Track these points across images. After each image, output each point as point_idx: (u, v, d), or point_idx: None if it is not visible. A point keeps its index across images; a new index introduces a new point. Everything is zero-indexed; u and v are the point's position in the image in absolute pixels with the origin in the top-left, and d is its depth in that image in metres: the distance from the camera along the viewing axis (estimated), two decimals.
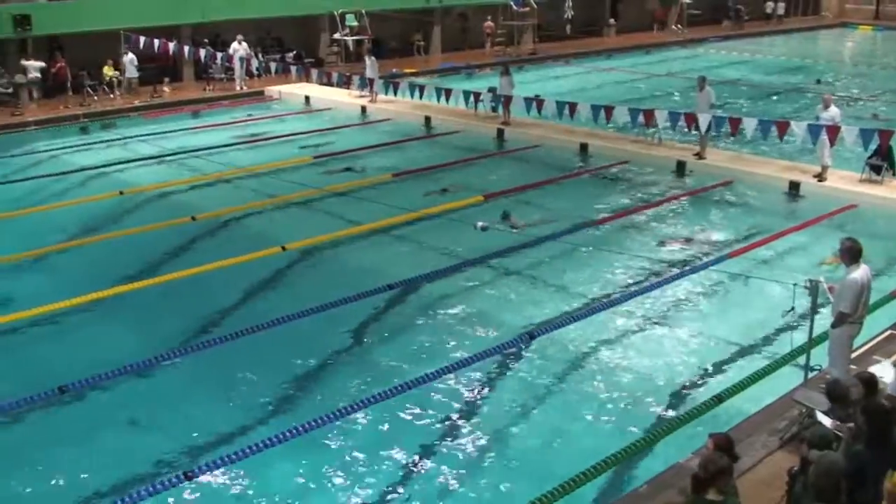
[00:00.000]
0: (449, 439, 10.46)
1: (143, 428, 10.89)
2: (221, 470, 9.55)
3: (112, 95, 30.51)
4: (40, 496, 9.49)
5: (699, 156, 21.71)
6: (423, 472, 9.88)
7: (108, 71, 30.49)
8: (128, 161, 23.23)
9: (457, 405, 11.15)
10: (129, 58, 29.74)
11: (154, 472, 9.74)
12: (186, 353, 12.22)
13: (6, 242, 17.20)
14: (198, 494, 9.36)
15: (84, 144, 25.42)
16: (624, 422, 10.73)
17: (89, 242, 17.24)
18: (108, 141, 25.81)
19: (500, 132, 25.51)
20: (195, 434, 10.53)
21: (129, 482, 9.53)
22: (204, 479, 9.44)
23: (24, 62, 29.13)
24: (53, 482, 9.72)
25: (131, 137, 25.98)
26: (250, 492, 9.46)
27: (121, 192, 20.05)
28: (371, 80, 28.77)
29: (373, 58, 30.09)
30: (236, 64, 31.96)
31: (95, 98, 29.97)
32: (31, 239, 17.33)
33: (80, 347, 12.90)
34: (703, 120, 20.20)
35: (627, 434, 10.30)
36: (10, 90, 28.94)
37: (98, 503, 9.06)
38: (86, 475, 9.81)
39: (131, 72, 30.24)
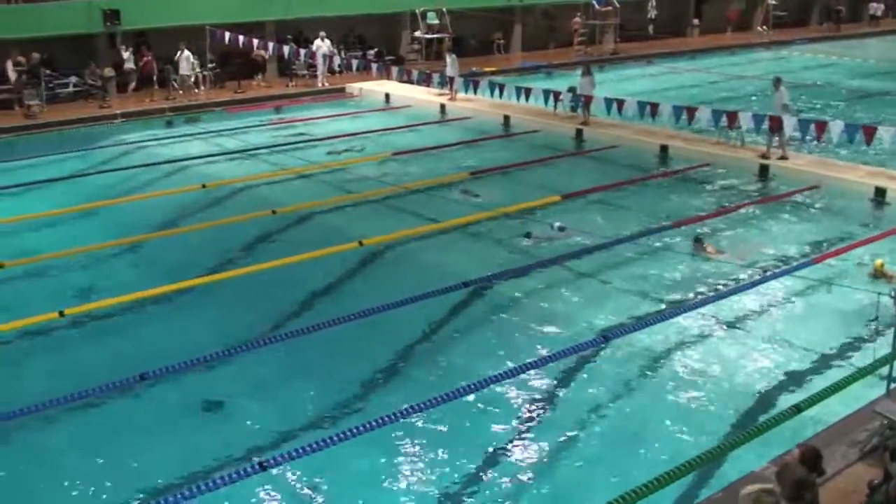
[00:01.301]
0: (520, 439, 10.44)
1: (221, 417, 11.09)
2: (295, 462, 9.65)
3: (197, 90, 31.07)
4: (118, 480, 9.69)
5: (782, 157, 21.39)
6: (493, 471, 9.87)
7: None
8: (211, 155, 23.65)
9: (529, 405, 11.14)
10: (185, 55, 29.74)
11: (230, 461, 9.90)
12: (264, 345, 12.37)
13: (92, 232, 17.69)
14: (271, 485, 9.48)
15: (169, 137, 25.98)
16: (699, 428, 10.59)
17: (173, 234, 17.62)
18: (192, 134, 26.34)
19: (579, 132, 25.35)
20: (271, 425, 10.68)
21: (205, 470, 9.71)
22: (278, 469, 9.55)
23: (124, 54, 29.89)
24: (131, 467, 9.96)
25: (215, 131, 26.45)
26: (322, 485, 9.55)
27: (203, 186, 20.42)
28: (451, 79, 28.89)
29: (453, 56, 30.11)
30: (319, 61, 32.34)
31: (180, 92, 30.55)
32: (116, 229, 17.79)
33: (161, 336, 13.18)
34: (785, 120, 19.89)
35: (702, 440, 10.16)
36: (100, 83, 29.64)
37: (174, 490, 9.22)
38: (162, 461, 10.01)
39: (185, 68, 30.06)
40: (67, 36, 29.48)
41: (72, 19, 29.48)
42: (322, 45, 32.19)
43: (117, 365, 11.81)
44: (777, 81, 21.80)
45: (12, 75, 28.21)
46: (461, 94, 29.15)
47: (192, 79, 30.23)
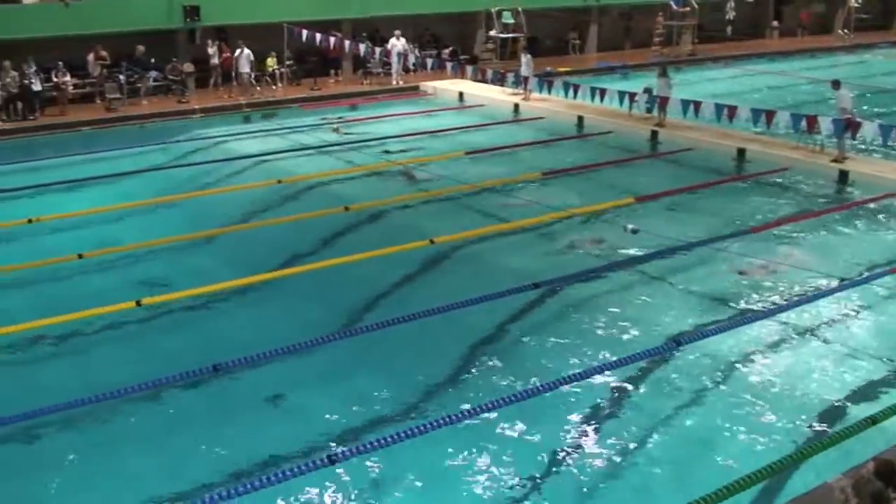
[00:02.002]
0: (588, 442, 10.37)
1: (291, 410, 11.20)
2: (363, 457, 9.71)
3: (274, 87, 31.46)
4: (186, 469, 9.84)
5: (836, 160, 21.08)
6: (560, 473, 9.81)
7: (270, 62, 31.44)
8: (286, 151, 23.93)
9: (597, 408, 11.04)
10: (246, 53, 29.85)
11: (298, 454, 9.99)
12: (335, 340, 12.48)
13: (169, 225, 18.04)
14: (339, 479, 9.54)
15: (245, 133, 26.34)
16: (769, 436, 10.40)
17: (248, 228, 17.88)
18: (268, 130, 26.69)
19: (654, 134, 25.11)
20: (340, 420, 10.76)
21: (274, 462, 9.81)
22: (346, 464, 9.62)
23: (209, 50, 30.48)
24: (200, 457, 10.10)
25: (290, 128, 26.76)
26: (389, 481, 9.59)
27: (279, 181, 20.68)
28: (526, 78, 28.86)
29: (528, 55, 30.01)
30: (394, 59, 32.53)
31: (258, 88, 30.96)
32: (192, 222, 18.14)
33: (235, 328, 13.39)
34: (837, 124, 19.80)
35: (773, 449, 9.99)
36: (179, 78, 30.19)
37: (245, 479, 9.33)
38: (233, 452, 10.13)
39: (245, 67, 30.03)
40: (148, 31, 30.08)
41: (153, 14, 30.07)
42: (397, 44, 32.37)
43: (191, 355, 12.03)
44: (836, 84, 21.43)
45: (94, 69, 28.86)
46: (535, 94, 29.07)
47: (253, 76, 30.45)
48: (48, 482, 9.73)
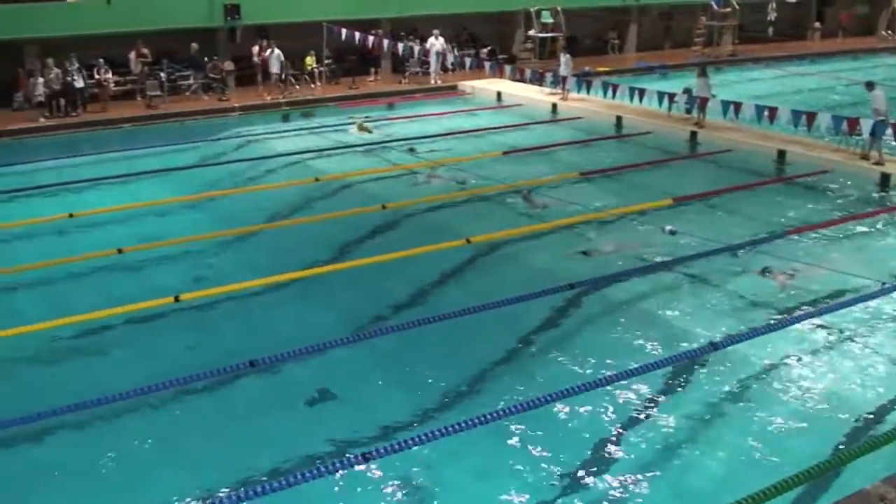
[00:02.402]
0: (626, 444, 10.29)
1: (325, 407, 11.22)
2: (398, 454, 9.70)
3: (313, 85, 31.61)
4: (221, 464, 9.88)
5: (877, 163, 20.88)
6: (595, 475, 9.73)
7: (309, 61, 31.59)
8: (324, 149, 24.03)
9: (635, 410, 10.97)
10: (276, 53, 29.87)
11: (333, 451, 10.02)
12: (371, 337, 12.53)
13: (206, 222, 18.21)
14: (374, 476, 9.56)
15: (284, 131, 26.48)
16: (808, 440, 10.29)
17: (286, 225, 17.98)
18: (306, 129, 26.82)
19: (693, 135, 24.93)
20: (375, 417, 10.76)
21: (309, 458, 9.85)
22: (381, 461, 9.63)
23: (255, 49, 30.69)
24: (235, 452, 10.15)
25: (329, 126, 26.87)
26: (423, 479, 9.59)
27: (316, 179, 20.78)
28: (564, 78, 28.76)
29: (567, 55, 29.95)
30: (432, 58, 32.57)
31: (297, 87, 31.13)
32: (230, 219, 18.25)
33: (272, 324, 13.45)
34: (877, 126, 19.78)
35: (812, 454, 9.87)
36: (220, 77, 30.41)
37: (277, 476, 9.38)
38: (266, 447, 10.18)
39: (275, 67, 30.03)
40: (189, 29, 30.34)
41: (194, 13, 30.35)
42: (436, 43, 32.41)
43: (228, 351, 12.12)
44: (870, 85, 21.20)
45: (136, 66, 29.15)
46: (573, 94, 28.97)
47: (284, 76, 30.43)
48: (110, 467, 9.92)
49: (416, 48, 31.35)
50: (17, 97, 28.16)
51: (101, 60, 28.34)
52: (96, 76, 28.23)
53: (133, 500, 9.33)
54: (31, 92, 27.40)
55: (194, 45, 29.82)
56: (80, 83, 27.45)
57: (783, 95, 30.82)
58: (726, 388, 11.44)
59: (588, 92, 26.84)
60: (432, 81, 33.08)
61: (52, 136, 25.89)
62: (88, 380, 11.61)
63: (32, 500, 9.46)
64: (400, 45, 30.55)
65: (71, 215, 17.91)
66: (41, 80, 26.98)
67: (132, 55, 29.02)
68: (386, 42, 30.56)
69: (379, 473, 9.58)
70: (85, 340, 12.83)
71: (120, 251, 15.79)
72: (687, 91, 25.31)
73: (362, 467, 9.49)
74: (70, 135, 26.08)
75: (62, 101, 27.24)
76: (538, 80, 29.00)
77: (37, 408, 10.35)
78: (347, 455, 9.66)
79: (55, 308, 13.44)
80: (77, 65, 27.34)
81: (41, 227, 17.63)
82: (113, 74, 28.99)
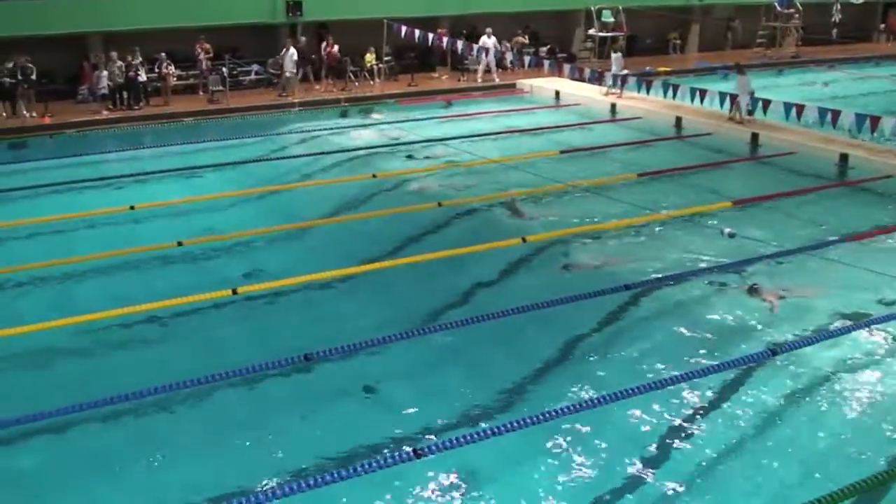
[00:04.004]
0: (678, 449, 10.18)
1: (379, 402, 11.27)
2: (449, 452, 9.70)
3: (372, 82, 31.76)
4: (271, 457, 9.95)
5: None
6: (646, 479, 9.63)
7: (369, 58, 31.73)
8: (382, 145, 24.12)
9: (689, 415, 10.83)
10: (290, 52, 29.75)
11: (384, 446, 10.05)
12: (425, 334, 12.56)
13: (265, 216, 18.38)
14: (424, 473, 9.56)
15: (343, 127, 26.64)
16: (867, 450, 10.09)
17: (342, 221, 18.08)
18: (365, 125, 26.96)
19: (754, 136, 24.59)
20: (427, 414, 10.77)
21: (360, 453, 9.89)
22: (431, 458, 9.63)
23: (324, 45, 30.96)
24: (289, 446, 10.21)
25: (387, 123, 26.97)
26: (472, 478, 9.56)
27: (374, 175, 20.88)
28: (622, 77, 28.58)
29: (618, 53, 30.05)
30: (482, 56, 32.54)
31: (356, 84, 31.30)
32: (288, 213, 18.42)
33: (327, 319, 13.53)
34: None
35: (868, 464, 9.70)
36: (280, 72, 30.67)
37: (328, 469, 9.43)
38: (318, 441, 10.24)
39: (289, 67, 29.85)
40: (251, 25, 30.66)
41: (257, 9, 30.67)
42: (487, 42, 32.37)
43: (283, 344, 12.22)
44: None
45: (204, 62, 29.50)
46: (633, 94, 28.73)
47: (299, 76, 30.32)
48: (164, 455, 10.06)
49: (476, 46, 31.38)
50: (82, 90, 28.69)
51: (163, 55, 28.77)
52: (158, 70, 28.64)
53: (179, 489, 9.41)
54: (95, 85, 27.86)
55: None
56: (143, 77, 27.88)
57: (849, 98, 30.28)
58: (782, 395, 11.24)
59: (648, 92, 26.62)
60: (479, 79, 33.06)
61: (115, 128, 26.34)
62: (146, 369, 11.76)
63: (92, 485, 9.61)
64: (459, 43, 30.56)
65: (132, 207, 18.20)
66: (105, 73, 27.43)
67: (199, 50, 29.36)
68: (445, 40, 30.60)
69: (430, 470, 9.58)
70: (144, 331, 13.00)
71: (180, 243, 16.01)
72: (750, 92, 25.02)
73: (413, 463, 9.51)
74: (132, 128, 26.49)
75: (125, 95, 27.70)
76: (597, 79, 28.84)
77: (94, 396, 10.55)
78: (399, 451, 9.70)
79: (115, 298, 13.64)
80: (140, 59, 27.76)
81: (103, 218, 17.93)
82: (175, 69, 29.40)
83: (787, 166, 22.27)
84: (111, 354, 12.46)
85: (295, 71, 30.01)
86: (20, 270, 15.00)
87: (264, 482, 9.35)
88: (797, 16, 40.19)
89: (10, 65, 26.02)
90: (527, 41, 36.38)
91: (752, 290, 14.14)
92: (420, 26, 30.23)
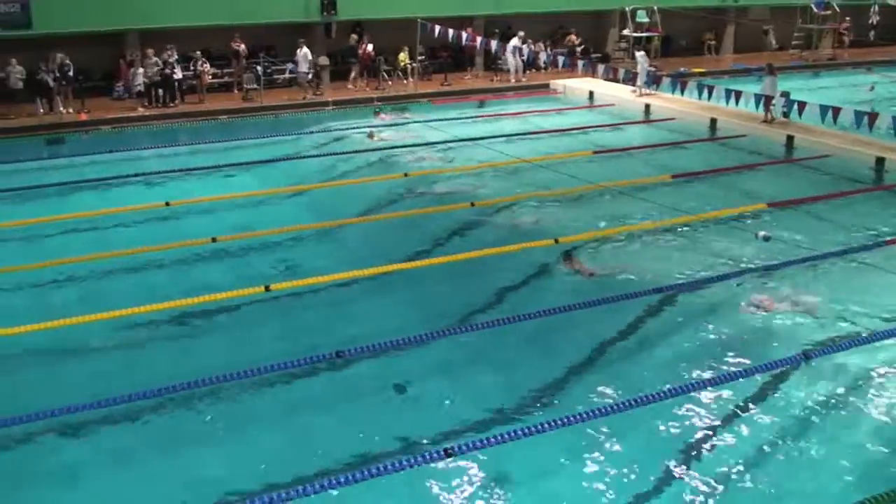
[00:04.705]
0: (706, 452, 10.12)
1: (410, 401, 11.30)
2: (479, 452, 9.70)
3: (405, 81, 31.80)
4: (301, 455, 10.00)
5: None
6: (672, 483, 9.57)
7: (402, 57, 31.77)
8: (414, 145, 24.14)
9: (716, 421, 10.73)
10: (304, 52, 29.64)
11: (414, 445, 10.08)
12: (456, 333, 12.57)
13: (299, 213, 18.47)
14: (454, 472, 9.57)
15: (376, 126, 26.64)
16: None
17: (375, 219, 18.13)
18: (398, 124, 26.98)
19: (790, 139, 24.38)
20: (457, 413, 10.78)
21: (390, 451, 9.94)
22: (461, 458, 9.64)
23: (362, 44, 31.10)
24: (320, 442, 10.27)
25: (420, 122, 27.01)
26: (502, 478, 9.56)
27: (405, 174, 20.91)
28: (647, 76, 28.54)
29: (642, 52, 30.23)
30: (511, 58, 32.56)
31: (389, 83, 31.35)
32: (321, 212, 18.53)
33: (358, 317, 13.58)
34: None
35: None
36: (314, 71, 30.76)
37: (361, 466, 9.46)
38: (349, 439, 10.27)
39: (303, 67, 29.72)
40: (286, 24, 30.81)
41: (292, 8, 30.80)
42: (515, 42, 32.31)
43: (315, 341, 12.30)
44: None
45: (241, 60, 29.65)
46: (667, 95, 28.58)
47: (311, 76, 30.23)
48: (196, 450, 10.19)
49: (509, 47, 31.35)
50: (118, 87, 28.94)
51: (199, 53, 28.97)
52: (194, 68, 28.85)
53: (209, 484, 9.48)
54: (131, 82, 28.13)
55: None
56: (178, 74, 28.08)
57: (886, 101, 29.94)
58: (816, 401, 11.14)
59: (682, 93, 26.46)
60: (512, 80, 33.04)
61: (151, 125, 26.53)
62: (177, 365, 11.86)
63: (125, 473, 9.76)
64: (493, 43, 30.53)
65: (167, 204, 18.36)
66: (141, 70, 27.67)
67: (234, 48, 29.51)
68: (479, 39, 30.55)
69: (459, 470, 9.59)
70: (177, 326, 13.13)
71: (214, 240, 16.12)
72: (785, 94, 24.85)
73: (443, 463, 9.53)
74: (168, 125, 26.69)
75: (161, 92, 27.90)
76: (632, 80, 28.73)
77: (125, 391, 10.68)
78: (429, 449, 9.71)
79: (150, 293, 13.77)
80: (176, 56, 27.97)
81: (138, 214, 18.07)
82: (210, 67, 29.59)
83: (822, 169, 22.07)
84: (143, 350, 12.58)
85: (307, 70, 29.97)
86: (56, 265, 15.14)
87: (294, 479, 9.38)
88: (834, 18, 39.80)
89: (48, 62, 26.33)
90: (578, 41, 36.42)
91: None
92: (454, 26, 30.24)
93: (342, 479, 9.03)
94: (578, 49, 35.74)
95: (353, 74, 31.30)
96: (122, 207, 18.36)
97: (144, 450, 10.15)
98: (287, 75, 30.98)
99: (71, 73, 26.71)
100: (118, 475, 9.77)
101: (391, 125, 26.91)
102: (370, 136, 25.16)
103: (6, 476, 9.72)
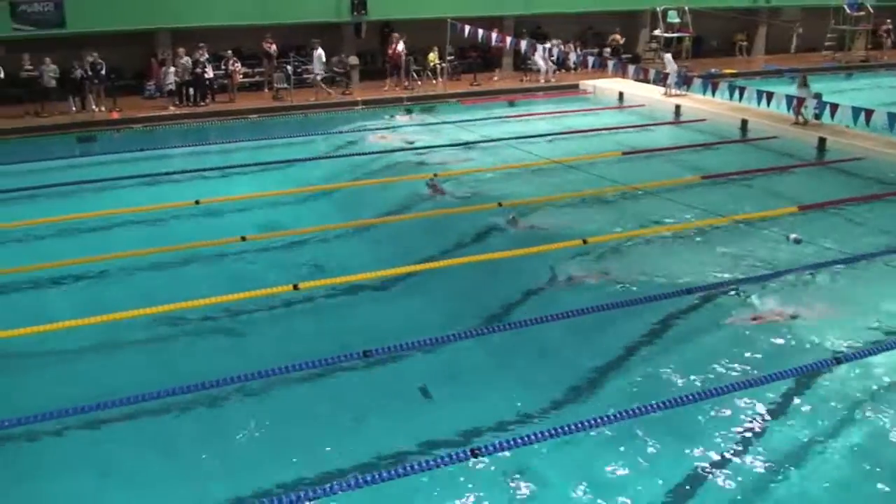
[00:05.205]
0: (736, 456, 10.04)
1: (436, 400, 11.29)
2: (505, 452, 9.68)
3: (434, 81, 31.82)
4: (329, 453, 10.01)
5: None
6: (700, 486, 9.52)
7: (432, 57, 31.80)
8: (443, 145, 24.15)
9: (745, 424, 10.65)
10: (318, 53, 29.61)
11: (440, 444, 10.07)
12: (483, 334, 12.57)
13: (327, 212, 18.53)
14: (479, 472, 9.55)
15: (404, 126, 26.72)
16: None
17: (402, 219, 18.15)
18: (427, 124, 27.02)
19: (821, 141, 24.18)
20: (483, 413, 10.75)
21: (416, 451, 9.94)
22: (488, 458, 9.63)
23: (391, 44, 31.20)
24: (344, 441, 10.27)
25: (449, 122, 27.01)
26: (525, 479, 9.51)
27: (435, 175, 20.90)
28: (681, 77, 28.45)
29: (668, 55, 30.39)
30: (540, 60, 32.52)
31: (419, 83, 31.39)
32: (349, 211, 18.59)
33: (386, 316, 13.60)
34: None
35: None
36: (344, 71, 30.87)
37: (389, 465, 9.47)
38: (375, 438, 10.30)
39: (317, 68, 29.75)
40: (316, 24, 30.92)
41: (322, 8, 30.91)
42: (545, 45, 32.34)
43: (342, 340, 12.32)
44: None
45: (272, 60, 29.77)
46: (698, 96, 28.43)
47: (321, 77, 30.18)
48: (220, 448, 10.23)
49: (540, 46, 31.31)
50: (149, 86, 29.16)
51: (230, 52, 29.14)
52: (225, 67, 29.00)
53: (232, 483, 9.52)
54: (163, 81, 28.35)
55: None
56: (209, 73, 28.25)
57: None
58: (845, 405, 11.04)
59: (713, 94, 26.31)
60: (541, 80, 33.00)
61: (181, 124, 26.72)
62: (209, 362, 11.94)
63: (168, 465, 9.88)
64: (523, 43, 30.50)
65: (197, 202, 18.48)
66: (172, 69, 27.87)
67: (265, 48, 29.64)
68: (509, 40, 30.52)
69: (486, 470, 9.58)
70: (208, 324, 13.20)
71: (243, 238, 16.20)
72: (817, 96, 24.65)
73: (470, 463, 9.52)
74: (198, 124, 26.86)
75: (192, 91, 28.07)
76: (662, 80, 28.61)
77: (155, 387, 10.78)
78: (455, 449, 9.71)
79: (180, 291, 13.84)
80: (207, 55, 28.14)
81: (168, 212, 18.19)
82: (241, 66, 29.75)
83: (854, 172, 21.86)
84: (171, 347, 12.69)
85: (320, 71, 29.95)
86: (92, 262, 15.32)
87: (319, 476, 9.43)
88: (867, 19, 39.41)
89: (81, 60, 26.60)
90: (622, 41, 36.44)
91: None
92: (483, 26, 30.22)
93: (368, 479, 9.04)
94: (621, 49, 35.81)
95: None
96: (152, 205, 18.47)
97: (184, 442, 10.27)
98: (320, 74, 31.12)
99: (103, 72, 26.97)
100: (162, 467, 9.87)
101: (422, 125, 26.90)
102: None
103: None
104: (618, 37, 36.61)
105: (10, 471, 9.80)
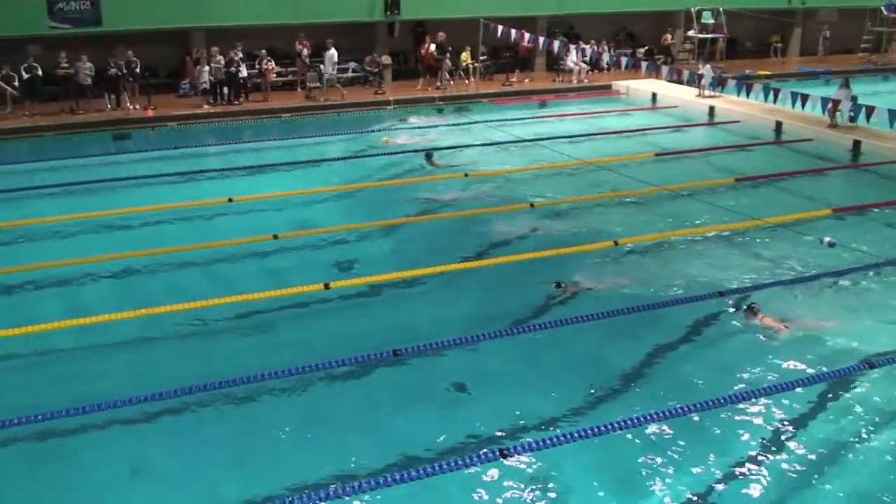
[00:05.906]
0: (763, 460, 9.98)
1: (466, 400, 11.31)
2: (534, 454, 9.70)
3: (467, 81, 31.82)
4: (359, 451, 10.02)
5: None
6: (728, 490, 9.47)
7: (465, 57, 31.80)
8: (475, 145, 24.16)
9: (776, 428, 10.57)
10: (330, 53, 29.44)
11: (469, 444, 10.07)
12: (514, 334, 12.56)
13: (359, 212, 18.58)
14: (508, 473, 9.54)
15: (436, 126, 26.73)
16: None
17: (434, 219, 18.17)
18: (459, 124, 27.01)
19: (857, 144, 23.96)
20: (513, 414, 10.74)
21: (445, 451, 9.94)
22: (517, 459, 9.65)
23: (424, 45, 31.27)
24: (374, 440, 10.32)
25: (481, 122, 27.00)
26: (557, 480, 9.50)
27: (466, 175, 20.92)
28: (715, 78, 28.34)
29: (708, 66, 30.37)
30: (571, 62, 32.46)
31: (451, 83, 31.40)
32: (381, 210, 18.62)
33: (416, 316, 13.62)
34: None
35: None
36: (377, 70, 30.93)
37: (416, 465, 9.48)
38: (405, 438, 10.30)
39: (329, 68, 29.47)
40: (350, 23, 31.03)
41: (356, 7, 30.99)
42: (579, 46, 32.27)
43: (373, 339, 12.36)
44: None
45: (304, 59, 29.87)
46: (732, 97, 28.26)
47: (336, 77, 30.00)
48: (250, 444, 10.29)
49: (573, 47, 31.25)
50: (183, 84, 29.38)
51: (263, 51, 29.30)
52: (259, 66, 29.16)
53: (262, 479, 9.56)
54: (197, 79, 28.56)
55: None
56: (243, 72, 28.40)
57: None
58: (878, 410, 10.94)
59: (748, 95, 26.14)
60: (574, 80, 32.95)
61: (215, 122, 26.90)
62: (240, 359, 12.01)
63: (200, 462, 9.88)
64: (555, 44, 30.43)
65: (230, 200, 18.60)
66: (206, 68, 28.07)
67: (299, 47, 29.75)
68: (541, 40, 30.45)
69: (515, 471, 9.58)
70: (239, 321, 13.28)
71: (276, 237, 16.29)
72: (853, 98, 24.43)
73: (498, 463, 9.53)
74: (232, 122, 27.04)
75: (226, 90, 28.25)
76: (696, 81, 28.46)
77: (189, 382, 10.90)
78: (485, 450, 9.72)
79: (214, 288, 13.99)
80: (241, 54, 28.30)
81: (201, 209, 18.33)
82: (275, 65, 29.91)
83: (890, 175, 21.63)
84: (202, 344, 12.80)
85: (332, 71, 29.82)
86: (126, 258, 15.49)
87: (347, 474, 9.47)
88: None
89: (117, 58, 26.86)
90: (673, 40, 36.47)
91: (749, 311, 13.34)
92: (516, 26, 30.16)
93: (397, 477, 9.08)
94: (672, 48, 35.83)
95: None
96: (185, 202, 18.61)
97: (218, 438, 10.37)
98: (349, 74, 31.19)
99: (138, 70, 27.20)
100: (194, 463, 9.95)
101: (453, 124, 26.91)
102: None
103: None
104: (669, 36, 36.63)
105: (46, 465, 9.92)
